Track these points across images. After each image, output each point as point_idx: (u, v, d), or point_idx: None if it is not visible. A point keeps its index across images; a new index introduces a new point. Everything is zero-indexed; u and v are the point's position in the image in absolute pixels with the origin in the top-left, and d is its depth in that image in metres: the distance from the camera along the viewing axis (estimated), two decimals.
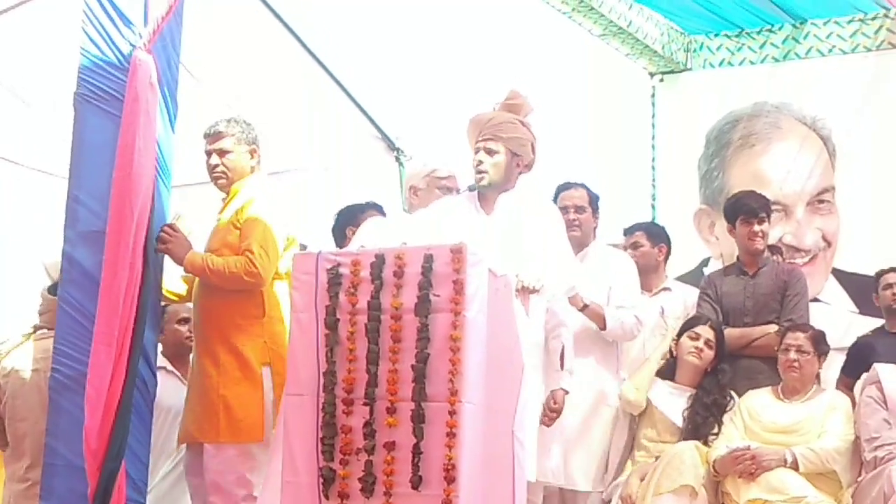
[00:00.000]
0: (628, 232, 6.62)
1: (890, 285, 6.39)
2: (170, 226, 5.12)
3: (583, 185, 6.19)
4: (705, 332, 5.86)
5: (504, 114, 5.34)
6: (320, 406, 4.41)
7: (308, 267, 4.55)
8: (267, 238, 5.12)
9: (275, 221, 5.17)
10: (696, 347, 5.84)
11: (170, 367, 6.38)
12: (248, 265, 5.07)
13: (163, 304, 6.11)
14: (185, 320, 6.39)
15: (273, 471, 4.51)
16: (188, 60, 6.23)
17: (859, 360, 6.11)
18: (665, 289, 6.59)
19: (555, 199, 6.15)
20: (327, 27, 7.13)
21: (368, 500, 4.30)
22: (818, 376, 5.80)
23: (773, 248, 7.27)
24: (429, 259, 4.39)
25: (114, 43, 4.95)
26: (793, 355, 5.67)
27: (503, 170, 5.32)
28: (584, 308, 5.88)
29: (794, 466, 5.40)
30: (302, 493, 4.36)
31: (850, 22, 7.76)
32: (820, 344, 5.74)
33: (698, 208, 8.21)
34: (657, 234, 6.62)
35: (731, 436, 5.62)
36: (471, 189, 5.44)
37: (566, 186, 6.18)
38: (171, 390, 6.09)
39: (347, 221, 6.04)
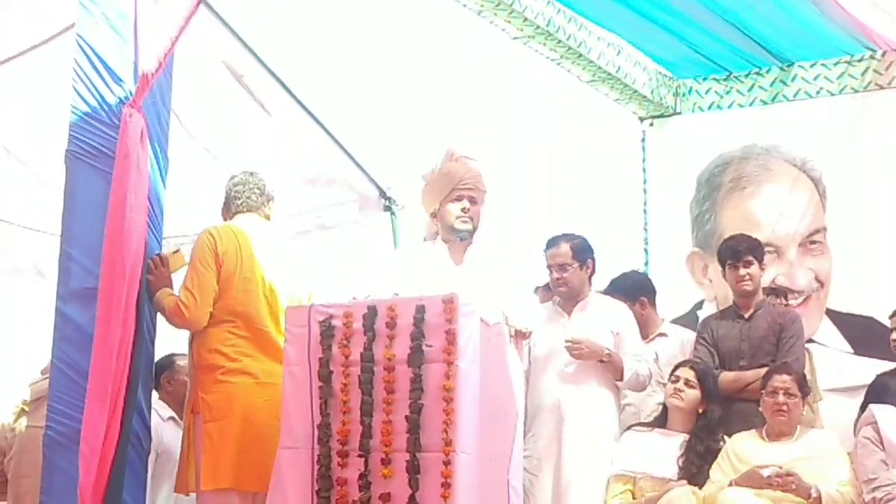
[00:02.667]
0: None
1: None
2: (159, 257, 5.13)
3: (567, 239, 6.11)
4: (684, 372, 5.86)
5: (476, 167, 5.40)
6: (315, 458, 4.42)
7: (300, 320, 4.58)
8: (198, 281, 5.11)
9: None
10: (676, 389, 5.83)
11: (178, 417, 6.37)
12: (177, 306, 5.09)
13: (172, 355, 6.17)
14: None
15: None
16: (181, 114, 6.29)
17: (876, 398, 6.11)
18: (661, 334, 6.59)
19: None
20: (318, 78, 7.15)
21: None
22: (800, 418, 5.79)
23: (777, 291, 7.28)
24: (421, 310, 4.42)
25: (104, 99, 4.96)
26: (781, 398, 5.66)
27: (479, 220, 5.37)
28: (606, 358, 5.89)
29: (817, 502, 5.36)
30: None
31: (836, 64, 7.79)
32: (804, 386, 5.75)
33: (691, 251, 8.22)
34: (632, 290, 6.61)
35: (719, 481, 5.60)
36: (460, 239, 5.42)
37: (551, 244, 6.17)
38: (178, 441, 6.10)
39: None
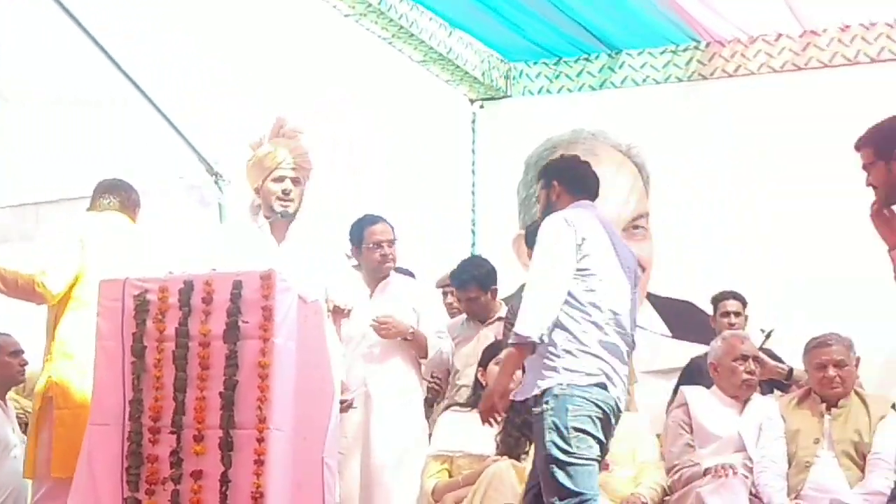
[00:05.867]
0: (462, 286, 6.64)
1: (727, 314, 6.61)
2: None
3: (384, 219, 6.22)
4: None
5: (300, 145, 5.34)
6: (126, 435, 4.34)
7: (115, 293, 4.49)
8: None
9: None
10: None
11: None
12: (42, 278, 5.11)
13: None
14: (17, 353, 6.27)
15: (75, 502, 4.40)
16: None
17: (689, 380, 6.28)
18: (500, 318, 6.62)
19: (357, 232, 6.17)
20: (144, 51, 7.02)
21: None
22: None
23: None
24: (238, 286, 4.38)
25: None
26: None
27: (302, 200, 5.31)
28: (411, 336, 5.93)
29: None
30: None
31: (662, 53, 7.95)
32: None
33: (517, 234, 8.29)
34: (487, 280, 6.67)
35: None
36: (281, 217, 5.37)
37: (374, 220, 6.18)
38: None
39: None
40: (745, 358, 5.85)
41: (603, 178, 8.03)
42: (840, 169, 7.40)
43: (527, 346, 4.54)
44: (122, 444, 4.33)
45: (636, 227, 8.02)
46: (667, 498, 5.64)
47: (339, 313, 5.25)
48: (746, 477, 5.55)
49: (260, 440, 4.24)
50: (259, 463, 4.23)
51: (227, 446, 4.25)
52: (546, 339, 4.53)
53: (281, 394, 4.30)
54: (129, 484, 4.29)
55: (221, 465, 4.25)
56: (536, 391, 4.61)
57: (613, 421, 4.67)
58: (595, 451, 4.55)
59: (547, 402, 4.55)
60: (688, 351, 7.08)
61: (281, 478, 4.28)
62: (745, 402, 5.83)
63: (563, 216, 4.75)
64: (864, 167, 4.77)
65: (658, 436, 5.94)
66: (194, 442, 4.29)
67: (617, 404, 4.66)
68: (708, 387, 5.98)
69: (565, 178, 5.03)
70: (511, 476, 5.52)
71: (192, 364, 4.35)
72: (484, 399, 4.75)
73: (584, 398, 4.54)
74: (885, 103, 7.38)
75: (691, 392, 5.91)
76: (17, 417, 6.50)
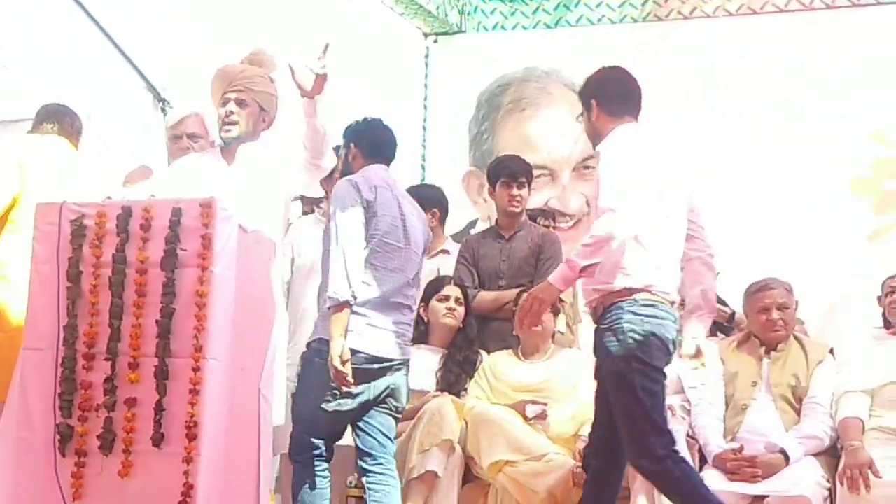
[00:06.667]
0: None
1: None
2: None
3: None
4: (453, 291, 5.93)
5: (254, 68, 5.25)
6: (59, 361, 4.29)
7: (51, 217, 4.41)
8: None
9: None
10: (449, 308, 5.90)
11: None
12: None
13: None
14: None
15: (7, 426, 4.35)
16: None
17: None
18: (443, 251, 6.57)
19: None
20: None
21: (107, 458, 4.21)
22: (553, 336, 5.91)
23: (546, 213, 7.40)
24: (177, 213, 4.31)
25: None
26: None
27: (251, 123, 5.21)
28: None
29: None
30: (37, 450, 4.23)
31: None
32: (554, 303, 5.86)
33: (467, 170, 8.29)
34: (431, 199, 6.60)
35: (477, 395, 5.71)
36: (219, 144, 5.31)
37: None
38: None
39: None
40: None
41: (555, 116, 8.16)
42: (793, 114, 7.49)
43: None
44: (56, 370, 4.27)
45: (587, 167, 8.03)
46: None
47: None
48: (684, 419, 5.59)
49: (196, 369, 4.18)
50: (194, 392, 4.18)
51: (162, 375, 4.20)
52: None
53: (218, 323, 4.25)
54: (62, 410, 4.23)
55: (156, 394, 4.20)
56: None
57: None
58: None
59: None
60: None
61: (216, 408, 4.24)
62: None
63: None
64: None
65: None
66: (129, 369, 4.23)
67: None
68: None
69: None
70: (451, 412, 5.53)
71: (128, 291, 4.28)
72: (331, 367, 4.79)
73: None
74: (839, 49, 7.44)
75: None
76: None
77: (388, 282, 4.98)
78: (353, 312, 4.85)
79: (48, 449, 4.22)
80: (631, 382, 4.53)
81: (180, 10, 7.02)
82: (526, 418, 5.55)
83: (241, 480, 4.46)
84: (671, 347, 4.65)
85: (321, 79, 5.05)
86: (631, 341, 4.53)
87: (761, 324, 5.71)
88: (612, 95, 4.93)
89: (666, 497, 4.74)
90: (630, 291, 4.60)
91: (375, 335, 4.93)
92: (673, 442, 4.58)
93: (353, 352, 4.81)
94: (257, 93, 5.20)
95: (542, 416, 5.56)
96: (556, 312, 5.81)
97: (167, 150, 5.93)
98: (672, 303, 4.70)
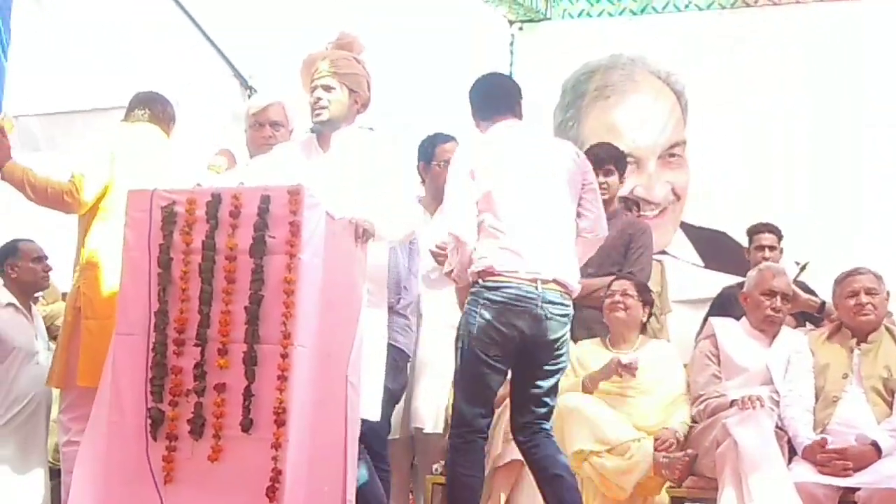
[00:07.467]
0: None
1: (762, 247, 6.54)
2: None
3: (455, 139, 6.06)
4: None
5: (339, 51, 5.22)
6: (150, 346, 4.33)
7: (142, 205, 4.46)
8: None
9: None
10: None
11: (18, 304, 6.27)
12: (72, 187, 5.12)
13: (15, 240, 6.13)
14: (40, 259, 6.32)
15: (99, 411, 4.41)
16: None
17: (719, 311, 6.21)
18: None
19: (428, 149, 6.10)
20: None
21: (197, 442, 4.24)
22: (644, 327, 5.87)
23: (630, 201, 7.34)
24: (266, 200, 4.33)
25: None
26: (618, 298, 5.74)
27: (342, 106, 5.15)
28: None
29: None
30: (128, 434, 4.28)
31: None
32: (643, 293, 5.81)
33: None
34: None
35: (563, 385, 5.67)
36: (312, 131, 5.32)
37: (446, 139, 6.09)
38: (18, 328, 6.02)
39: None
40: (772, 293, 5.76)
41: (641, 104, 8.10)
42: (884, 104, 7.35)
43: None
44: (147, 355, 4.31)
45: (672, 154, 7.97)
46: (692, 425, 5.61)
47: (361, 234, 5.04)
48: (773, 410, 5.51)
49: (284, 356, 4.21)
50: (282, 378, 4.20)
51: (251, 361, 4.23)
52: None
53: (305, 310, 4.27)
54: (153, 395, 4.28)
55: (245, 379, 4.23)
56: None
57: None
58: None
59: None
60: (720, 281, 7.03)
61: (303, 394, 4.26)
62: (774, 335, 5.76)
63: None
64: None
65: (685, 366, 5.89)
66: (218, 355, 4.27)
67: None
68: (738, 318, 5.92)
69: None
70: None
71: (217, 277, 4.31)
72: None
73: None
74: None
75: (720, 323, 5.86)
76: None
77: None
78: None
79: (139, 433, 4.27)
80: None
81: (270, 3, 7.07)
82: (620, 364, 5.51)
83: (328, 467, 4.49)
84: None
85: None
86: None
87: (850, 309, 5.60)
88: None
89: None
90: None
91: None
92: None
93: None
94: (344, 75, 5.14)
95: (632, 367, 5.50)
96: (646, 302, 5.76)
97: (247, 137, 5.95)
98: None
